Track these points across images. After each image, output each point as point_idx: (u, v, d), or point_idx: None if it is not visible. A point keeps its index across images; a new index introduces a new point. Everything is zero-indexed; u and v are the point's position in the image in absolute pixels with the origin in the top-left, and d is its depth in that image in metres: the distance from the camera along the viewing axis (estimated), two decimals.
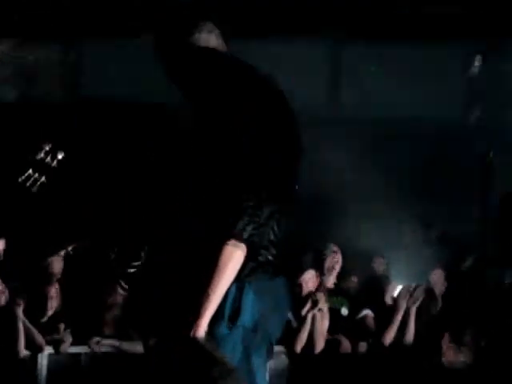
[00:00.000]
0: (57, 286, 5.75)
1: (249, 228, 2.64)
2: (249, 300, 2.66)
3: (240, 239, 2.60)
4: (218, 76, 2.75)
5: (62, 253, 6.28)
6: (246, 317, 2.63)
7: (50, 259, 6.11)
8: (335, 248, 6.21)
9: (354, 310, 6.05)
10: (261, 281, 2.72)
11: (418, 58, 7.36)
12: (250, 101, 2.70)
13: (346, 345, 5.85)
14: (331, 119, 7.42)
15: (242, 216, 2.65)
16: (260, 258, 2.72)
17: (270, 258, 2.75)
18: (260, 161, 2.65)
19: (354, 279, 6.48)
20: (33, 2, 6.54)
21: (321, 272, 6.10)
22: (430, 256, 6.54)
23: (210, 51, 2.82)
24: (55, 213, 6.25)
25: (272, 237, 2.77)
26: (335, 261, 6.14)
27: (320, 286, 6.02)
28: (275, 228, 2.78)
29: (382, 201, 6.74)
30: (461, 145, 7.38)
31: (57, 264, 6.11)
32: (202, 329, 2.52)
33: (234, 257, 2.60)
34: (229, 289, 2.63)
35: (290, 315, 5.52)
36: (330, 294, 6.13)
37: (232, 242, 2.60)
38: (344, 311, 6.06)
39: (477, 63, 7.57)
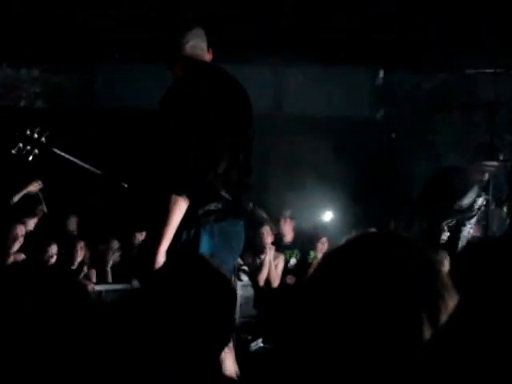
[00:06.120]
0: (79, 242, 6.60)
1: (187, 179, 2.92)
2: (204, 241, 3.01)
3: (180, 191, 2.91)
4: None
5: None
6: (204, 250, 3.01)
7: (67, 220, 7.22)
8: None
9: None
10: (215, 224, 3.02)
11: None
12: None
13: (291, 280, 7.24)
14: None
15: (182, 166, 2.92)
16: (209, 207, 2.99)
17: (222, 203, 3.03)
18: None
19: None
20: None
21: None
22: None
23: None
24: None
25: (234, 175, 3.03)
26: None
27: (275, 240, 7.28)
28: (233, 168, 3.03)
29: None
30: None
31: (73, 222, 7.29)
32: (161, 256, 2.84)
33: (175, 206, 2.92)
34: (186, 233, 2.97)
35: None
36: (288, 247, 7.66)
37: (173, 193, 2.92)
38: (292, 261, 7.55)
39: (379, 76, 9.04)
